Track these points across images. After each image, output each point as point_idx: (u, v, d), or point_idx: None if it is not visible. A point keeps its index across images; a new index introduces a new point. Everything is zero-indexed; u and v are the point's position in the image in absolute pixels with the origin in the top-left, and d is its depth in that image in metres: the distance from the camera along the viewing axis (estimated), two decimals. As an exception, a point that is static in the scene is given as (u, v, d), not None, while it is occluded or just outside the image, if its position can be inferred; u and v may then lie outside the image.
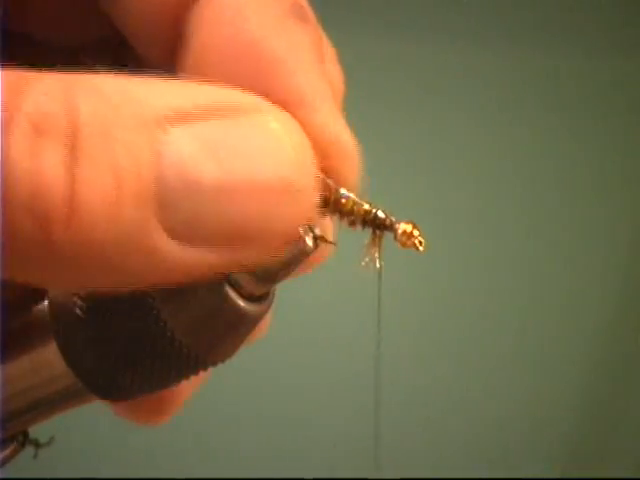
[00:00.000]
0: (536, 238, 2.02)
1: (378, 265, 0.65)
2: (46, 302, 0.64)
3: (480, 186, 2.00)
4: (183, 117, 0.41)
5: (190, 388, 0.73)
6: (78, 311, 0.62)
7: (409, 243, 0.64)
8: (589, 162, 2.04)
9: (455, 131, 2.00)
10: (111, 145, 0.38)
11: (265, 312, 0.64)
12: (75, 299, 0.62)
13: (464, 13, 1.99)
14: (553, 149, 2.04)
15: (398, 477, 1.78)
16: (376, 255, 0.65)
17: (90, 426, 1.78)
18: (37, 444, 0.70)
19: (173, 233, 0.44)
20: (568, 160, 2.04)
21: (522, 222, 2.01)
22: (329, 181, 0.63)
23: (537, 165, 2.04)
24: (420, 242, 0.64)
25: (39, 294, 0.64)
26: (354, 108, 2.11)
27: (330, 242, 0.63)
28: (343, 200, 0.65)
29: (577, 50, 2.02)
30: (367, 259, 0.65)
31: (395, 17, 1.98)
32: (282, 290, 0.66)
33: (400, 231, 0.64)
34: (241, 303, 0.61)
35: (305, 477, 1.82)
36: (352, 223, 0.65)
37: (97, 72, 0.41)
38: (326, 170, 0.61)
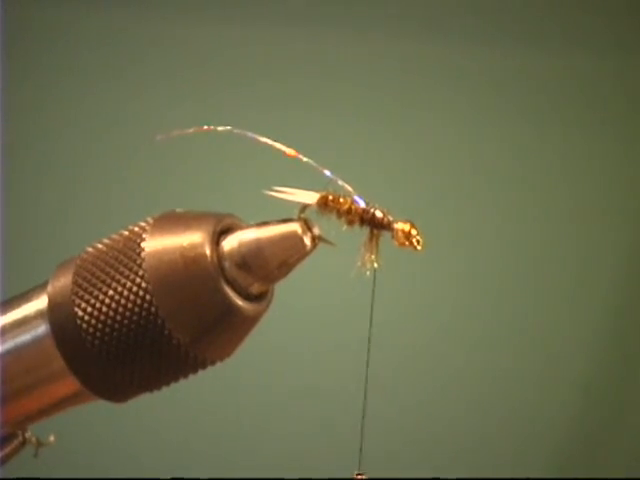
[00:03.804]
0: (536, 239, 2.02)
1: (375, 264, 0.65)
2: (46, 300, 0.64)
3: (480, 186, 2.00)
4: None
5: None
6: (77, 310, 0.62)
7: (407, 242, 0.64)
8: (590, 162, 2.04)
9: (456, 131, 2.00)
10: None
11: (264, 311, 0.64)
12: (74, 298, 0.62)
13: (465, 13, 1.99)
14: (554, 149, 2.04)
15: (398, 477, 1.78)
16: (373, 254, 0.65)
17: (90, 426, 1.78)
18: (38, 443, 0.70)
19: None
20: (569, 160, 2.04)
21: (523, 223, 2.01)
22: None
23: (538, 165, 2.03)
24: (418, 241, 0.64)
25: None
26: (355, 107, 2.10)
27: (328, 241, 0.63)
28: (341, 199, 0.65)
29: (577, 50, 2.02)
30: (365, 258, 0.65)
31: (395, 17, 1.98)
32: (281, 289, 0.66)
33: (397, 230, 0.64)
34: (239, 302, 0.62)
35: (306, 477, 1.81)
36: (350, 222, 0.65)
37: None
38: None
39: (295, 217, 0.63)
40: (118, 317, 0.61)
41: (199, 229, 0.62)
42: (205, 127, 0.68)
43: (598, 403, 2.03)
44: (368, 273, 0.65)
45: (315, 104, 1.92)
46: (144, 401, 0.68)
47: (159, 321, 0.60)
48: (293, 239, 0.62)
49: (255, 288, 0.63)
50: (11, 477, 0.73)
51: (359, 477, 0.68)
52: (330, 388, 1.93)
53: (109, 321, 0.61)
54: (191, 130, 0.68)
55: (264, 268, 0.62)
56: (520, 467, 1.97)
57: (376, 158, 1.94)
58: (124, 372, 0.62)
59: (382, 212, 0.65)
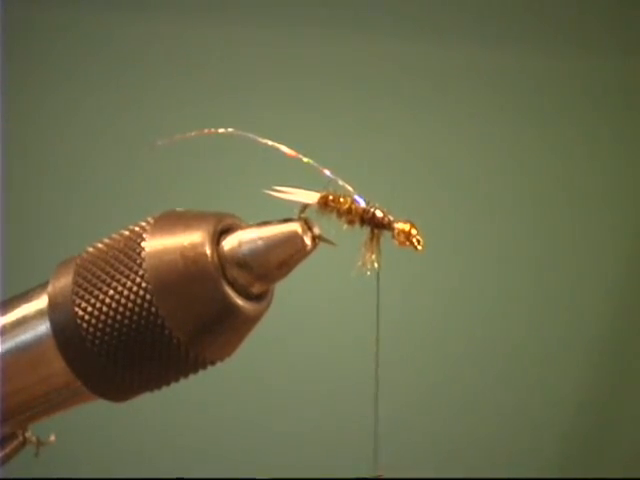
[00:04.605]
0: (537, 240, 2.02)
1: (376, 264, 0.65)
2: (46, 300, 0.64)
3: (480, 186, 2.00)
4: None
5: None
6: (78, 310, 0.62)
7: (407, 242, 0.64)
8: (590, 162, 2.04)
9: (457, 131, 2.00)
10: None
11: (264, 311, 0.64)
12: (75, 298, 0.63)
13: (465, 13, 1.99)
14: (554, 148, 2.04)
15: (398, 477, 1.78)
16: (374, 254, 0.65)
17: (90, 426, 1.78)
18: (38, 443, 0.70)
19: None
20: (569, 159, 2.04)
21: (523, 223, 2.01)
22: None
23: (538, 165, 2.03)
24: (418, 241, 0.64)
25: None
26: (355, 107, 2.09)
27: (328, 241, 0.63)
28: (341, 199, 0.65)
29: (577, 50, 2.02)
30: (365, 258, 0.65)
31: (396, 17, 1.98)
32: (280, 289, 0.66)
33: (398, 230, 0.64)
34: (240, 302, 0.62)
35: (305, 477, 1.81)
36: (350, 222, 0.65)
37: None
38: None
39: (295, 217, 0.63)
40: (118, 317, 0.61)
41: (199, 229, 0.62)
42: (206, 130, 0.68)
43: (598, 403, 2.03)
44: (369, 273, 0.65)
45: (315, 104, 1.92)
46: (144, 401, 0.68)
47: (159, 321, 0.61)
48: (293, 239, 0.62)
49: (255, 288, 0.63)
50: (11, 477, 0.73)
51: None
52: (330, 388, 1.93)
53: (109, 321, 0.61)
54: (193, 134, 0.68)
55: (264, 268, 0.62)
56: (520, 467, 1.98)
57: (376, 158, 1.94)
58: (124, 372, 0.62)
59: (382, 212, 0.65)
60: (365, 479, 0.69)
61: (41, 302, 0.64)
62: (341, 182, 0.65)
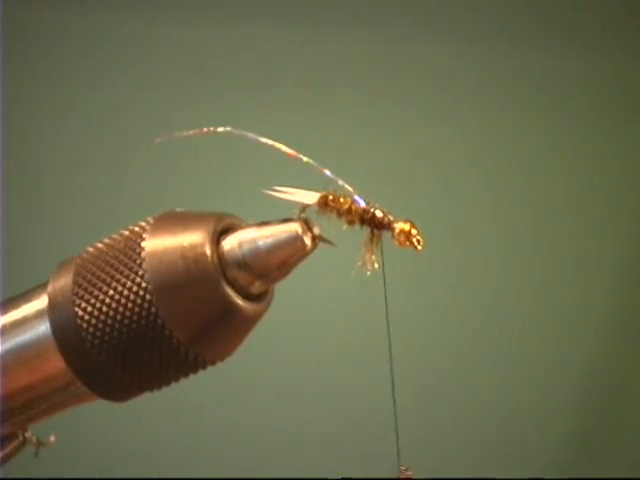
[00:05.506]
0: (537, 239, 2.02)
1: (376, 265, 0.65)
2: (46, 300, 0.64)
3: (480, 186, 2.00)
4: None
5: None
6: (78, 310, 0.62)
7: (407, 242, 0.64)
8: (589, 162, 2.04)
9: (456, 131, 2.00)
10: None
11: (264, 311, 0.64)
12: (75, 298, 0.62)
13: (464, 13, 1.99)
14: (554, 148, 2.04)
15: (397, 477, 1.78)
16: (373, 255, 0.65)
17: (90, 426, 1.78)
18: (38, 443, 0.70)
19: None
20: (569, 159, 2.04)
21: (523, 222, 2.01)
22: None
23: (537, 166, 2.03)
24: (418, 241, 0.64)
25: None
26: (355, 107, 2.09)
27: (328, 241, 0.63)
28: (341, 199, 0.65)
29: (577, 50, 2.02)
30: (365, 258, 0.65)
31: (396, 17, 1.98)
32: (281, 288, 0.66)
33: (398, 230, 0.64)
34: (240, 302, 0.62)
35: (305, 477, 1.81)
36: (350, 222, 0.65)
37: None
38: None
39: (295, 217, 0.63)
40: (118, 317, 0.61)
41: (199, 229, 0.62)
42: (205, 129, 0.68)
43: (598, 403, 2.03)
44: (369, 273, 0.65)
45: (315, 104, 1.92)
46: (144, 401, 0.68)
47: (159, 321, 0.60)
48: (293, 239, 0.62)
49: (255, 288, 0.63)
50: (11, 477, 0.73)
51: (405, 474, 0.68)
52: (330, 388, 1.93)
53: (109, 321, 0.61)
54: (191, 132, 0.68)
55: (264, 268, 0.62)
56: (520, 467, 1.97)
57: (376, 158, 1.94)
58: (124, 372, 0.62)
59: (382, 212, 0.65)
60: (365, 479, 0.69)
61: (41, 302, 0.64)
62: (341, 182, 0.65)
